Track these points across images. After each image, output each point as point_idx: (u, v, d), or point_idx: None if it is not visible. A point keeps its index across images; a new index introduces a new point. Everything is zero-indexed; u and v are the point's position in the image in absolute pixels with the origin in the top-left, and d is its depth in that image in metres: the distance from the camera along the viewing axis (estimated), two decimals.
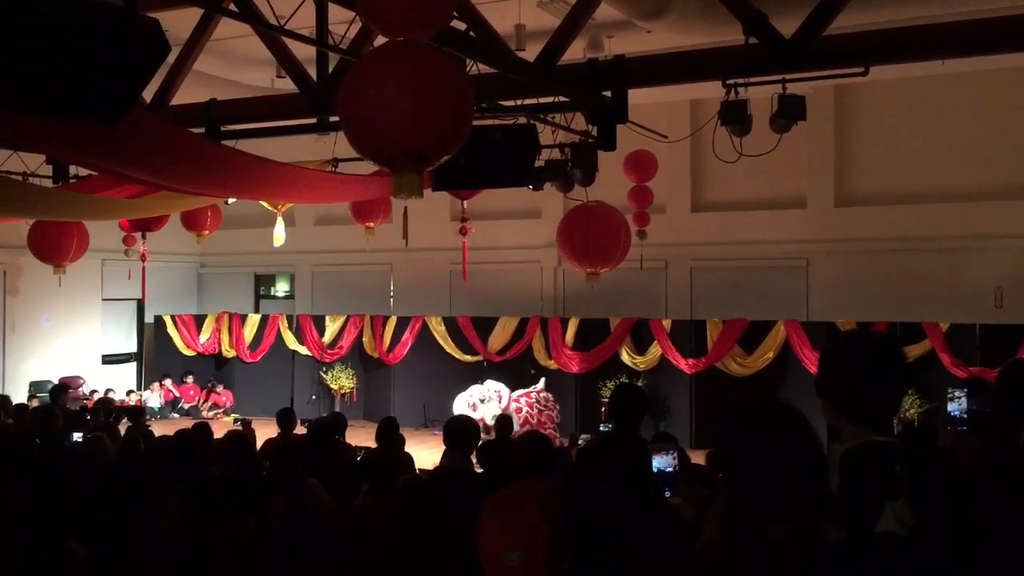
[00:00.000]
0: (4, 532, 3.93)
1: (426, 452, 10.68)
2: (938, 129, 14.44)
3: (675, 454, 4.08)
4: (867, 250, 14.81)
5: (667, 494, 3.71)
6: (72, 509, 4.87)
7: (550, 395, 14.32)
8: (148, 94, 8.04)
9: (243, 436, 5.86)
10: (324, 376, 17.47)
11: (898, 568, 1.90)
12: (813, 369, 13.42)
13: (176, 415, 17.41)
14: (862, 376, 2.42)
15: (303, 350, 17.75)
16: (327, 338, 17.59)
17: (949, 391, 9.50)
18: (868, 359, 2.46)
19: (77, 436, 7.32)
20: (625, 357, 14.97)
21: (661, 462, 4.01)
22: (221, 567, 3.36)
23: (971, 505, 2.10)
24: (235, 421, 10.81)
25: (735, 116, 7.63)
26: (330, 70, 7.83)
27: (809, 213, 15.38)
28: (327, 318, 17.72)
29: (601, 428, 10.85)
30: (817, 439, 2.09)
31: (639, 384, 14.08)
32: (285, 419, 8.46)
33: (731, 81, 7.41)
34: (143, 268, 13.59)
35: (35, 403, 13.09)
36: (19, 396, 14.53)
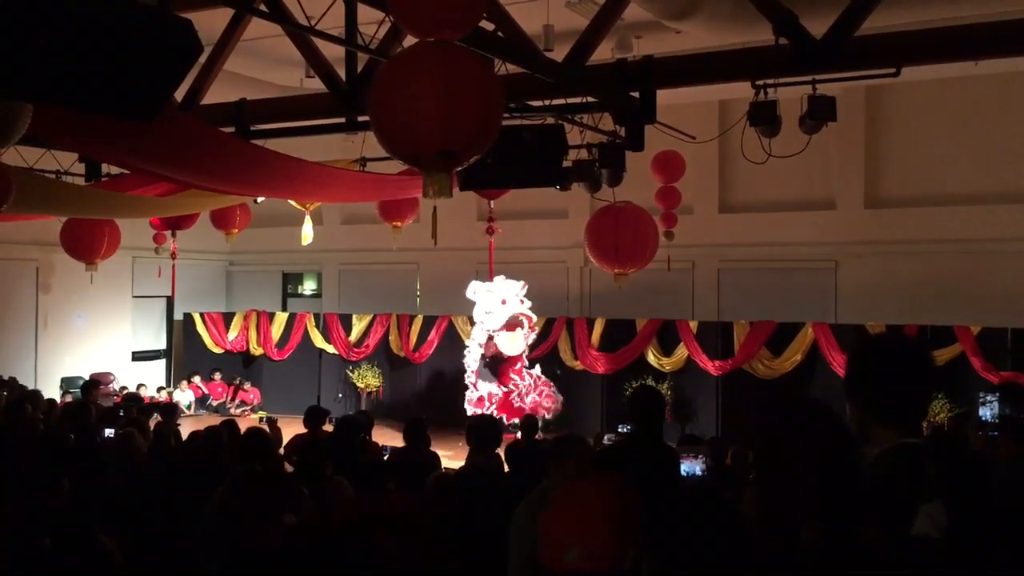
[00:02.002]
0: (38, 525, 3.99)
1: (451, 452, 10.71)
2: (970, 130, 14.27)
3: (704, 458, 4.08)
4: (896, 252, 14.66)
5: None
6: (104, 503, 4.93)
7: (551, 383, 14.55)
8: (179, 93, 8.11)
9: (261, 432, 5.89)
10: (351, 374, 17.56)
11: (934, 570, 1.88)
12: (841, 372, 13.33)
13: (204, 412, 17.57)
14: (890, 378, 2.41)
15: (330, 348, 17.85)
16: (353, 336, 17.67)
17: (981, 395, 9.43)
18: (896, 361, 2.45)
19: (109, 432, 7.40)
20: (651, 358, 14.92)
21: (690, 466, 4.03)
22: (262, 562, 3.40)
23: (1006, 509, 2.08)
24: (261, 420, 10.88)
25: (764, 117, 7.58)
26: (359, 70, 7.87)
27: (838, 215, 15.26)
28: (354, 317, 17.81)
29: (620, 429, 10.82)
30: (851, 438, 2.08)
31: (663, 386, 14.06)
32: (314, 416, 8.51)
33: (760, 82, 7.37)
34: (173, 266, 13.75)
35: (68, 399, 13.26)
36: (50, 391, 14.72)
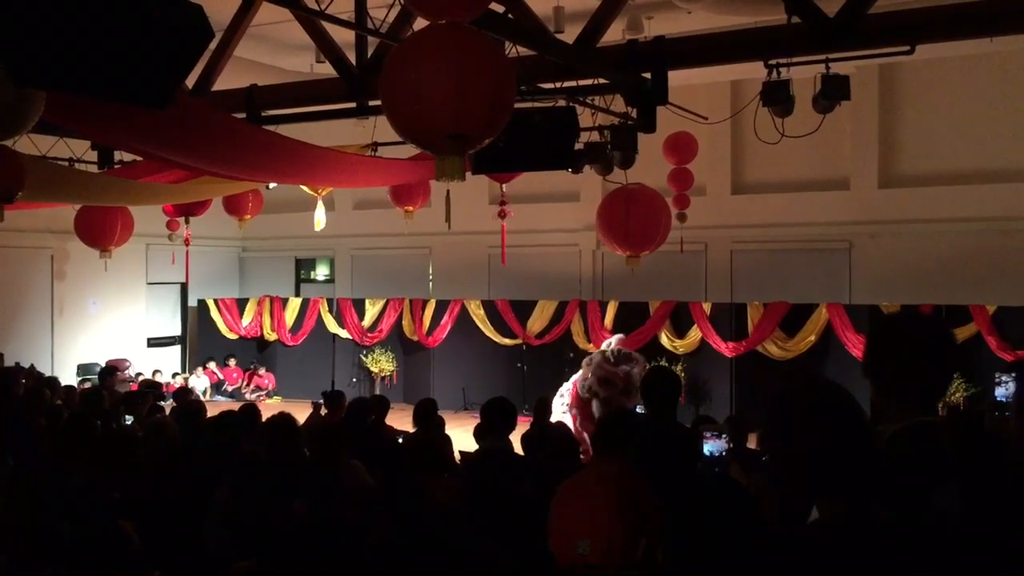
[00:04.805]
0: (58, 509, 4.03)
1: (466, 435, 10.72)
2: (984, 108, 14.15)
3: (726, 437, 4.11)
4: (911, 232, 14.58)
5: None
6: (124, 488, 4.98)
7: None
8: (190, 80, 8.12)
9: (289, 419, 5.91)
10: (364, 359, 17.62)
11: (950, 548, 1.88)
12: (856, 352, 13.36)
13: (220, 398, 17.67)
14: (912, 357, 2.40)
15: (343, 333, 17.91)
16: (367, 321, 17.72)
17: (997, 376, 9.39)
18: (918, 340, 2.43)
19: (129, 419, 7.43)
20: (665, 340, 14.91)
21: (712, 447, 4.06)
22: (273, 548, 3.43)
23: (1020, 489, 2.07)
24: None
25: (777, 96, 7.53)
26: (369, 54, 7.86)
27: (852, 194, 15.17)
28: (367, 301, 17.85)
29: (637, 410, 10.81)
30: (865, 416, 2.07)
31: (677, 368, 14.04)
32: (333, 401, 8.56)
33: (773, 61, 7.32)
34: (186, 252, 13.79)
35: (87, 386, 13.36)
36: (67, 378, 14.82)
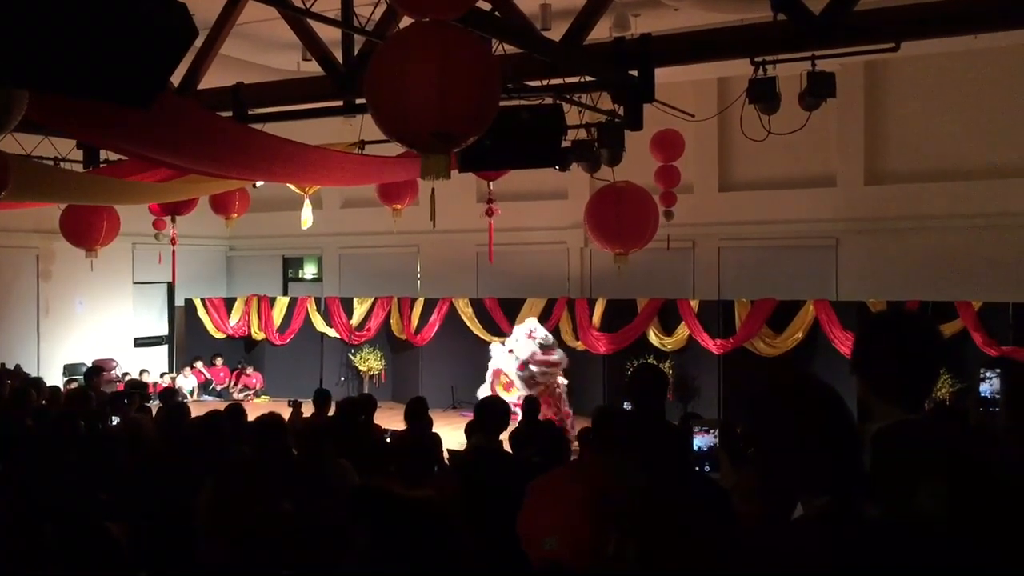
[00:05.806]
0: (45, 511, 4.01)
1: (454, 433, 10.73)
2: (970, 105, 14.22)
3: (716, 432, 4.14)
4: (897, 228, 14.65)
5: (707, 469, 3.77)
6: (110, 489, 4.96)
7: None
8: (176, 78, 8.08)
9: (277, 418, 5.89)
10: (352, 358, 17.59)
11: (935, 546, 1.89)
12: (843, 349, 13.42)
13: (208, 397, 17.60)
14: (898, 356, 2.41)
15: (331, 332, 17.86)
16: (355, 320, 17.69)
17: (981, 372, 9.42)
18: (907, 339, 2.44)
19: (116, 419, 7.40)
20: (653, 338, 14.93)
21: (702, 441, 4.11)
22: (259, 548, 3.42)
23: (1007, 485, 2.08)
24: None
25: (763, 94, 7.56)
26: (356, 52, 7.84)
27: (838, 191, 15.23)
28: (355, 300, 17.81)
29: (625, 406, 10.83)
30: (850, 413, 2.08)
31: (665, 365, 14.07)
32: (320, 400, 8.54)
33: (759, 59, 7.34)
34: (173, 251, 13.74)
35: (73, 386, 13.29)
36: (53, 378, 14.74)
